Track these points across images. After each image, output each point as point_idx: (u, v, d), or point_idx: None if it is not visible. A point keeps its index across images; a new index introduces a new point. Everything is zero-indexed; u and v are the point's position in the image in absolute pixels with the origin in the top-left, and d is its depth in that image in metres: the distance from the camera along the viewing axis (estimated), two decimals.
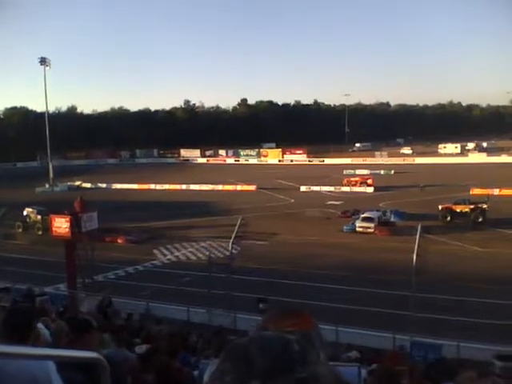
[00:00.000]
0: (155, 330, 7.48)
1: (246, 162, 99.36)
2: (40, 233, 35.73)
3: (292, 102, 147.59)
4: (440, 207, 38.13)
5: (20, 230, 37.47)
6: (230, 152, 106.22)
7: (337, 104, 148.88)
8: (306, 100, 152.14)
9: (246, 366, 0.78)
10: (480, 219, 35.92)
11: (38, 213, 37.23)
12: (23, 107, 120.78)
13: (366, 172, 68.52)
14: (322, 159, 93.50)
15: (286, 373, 0.77)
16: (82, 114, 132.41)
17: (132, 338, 8.02)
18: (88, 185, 67.69)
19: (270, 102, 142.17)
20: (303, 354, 0.82)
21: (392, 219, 36.00)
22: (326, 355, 0.90)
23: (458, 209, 37.47)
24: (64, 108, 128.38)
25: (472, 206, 36.85)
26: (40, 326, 4.04)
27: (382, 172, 70.25)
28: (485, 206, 36.26)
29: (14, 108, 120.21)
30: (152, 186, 63.82)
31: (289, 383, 0.76)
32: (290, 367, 0.78)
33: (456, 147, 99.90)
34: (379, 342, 14.21)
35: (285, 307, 1.07)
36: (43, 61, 71.88)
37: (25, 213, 38.33)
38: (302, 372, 0.78)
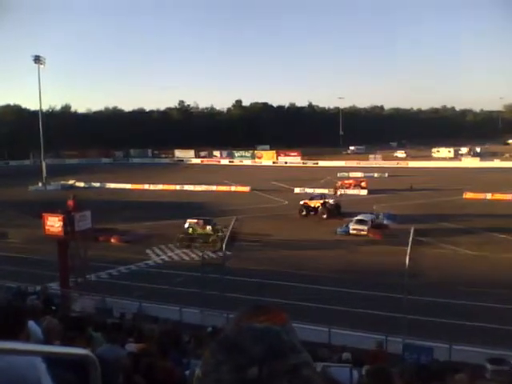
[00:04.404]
0: (147, 330, 7.45)
1: (241, 164, 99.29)
2: (218, 246, 29.47)
3: (287, 105, 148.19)
4: (301, 202, 42.22)
5: (185, 243, 32.07)
6: (225, 153, 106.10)
7: (331, 107, 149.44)
8: (301, 102, 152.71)
9: (241, 355, 0.80)
10: (325, 215, 40.08)
11: (206, 223, 32.83)
12: (17, 105, 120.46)
13: (359, 175, 68.66)
14: (316, 161, 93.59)
15: (281, 359, 0.81)
16: (76, 113, 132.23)
17: (125, 337, 7.98)
18: (81, 184, 67.41)
19: (265, 104, 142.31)
20: (293, 342, 0.86)
21: (385, 222, 36.14)
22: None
23: (312, 204, 41.46)
24: (58, 107, 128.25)
25: (321, 202, 41.04)
26: (31, 323, 4.01)
27: (376, 175, 70.41)
28: (331, 201, 41.27)
29: (8, 106, 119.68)
30: (146, 186, 63.61)
31: (284, 368, 0.80)
32: (284, 354, 0.82)
33: (449, 151, 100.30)
34: (371, 344, 14.19)
35: (257, 304, 1.09)
36: (37, 59, 71.47)
37: (186, 225, 33.20)
38: (295, 358, 0.82)
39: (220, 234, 30.99)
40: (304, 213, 41.14)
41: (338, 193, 46.90)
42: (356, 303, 19.97)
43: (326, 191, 55.04)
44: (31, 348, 1.79)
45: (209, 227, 32.32)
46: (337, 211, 40.75)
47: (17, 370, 2.11)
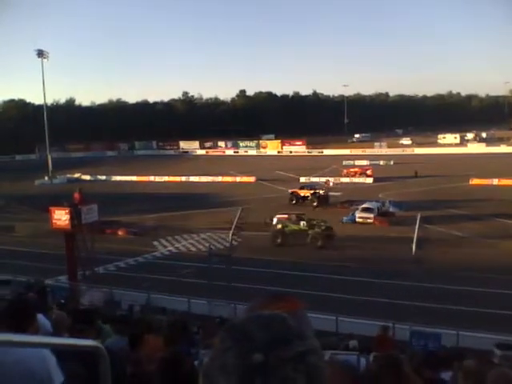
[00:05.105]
0: (156, 321, 7.50)
1: (245, 154, 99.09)
2: (320, 243, 28.53)
3: (291, 93, 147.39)
4: (289, 191, 43.32)
5: (278, 240, 29.55)
6: (229, 143, 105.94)
7: (336, 95, 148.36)
8: (305, 91, 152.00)
9: (247, 342, 0.81)
10: (315, 203, 40.50)
11: (299, 218, 30.40)
12: (21, 100, 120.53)
13: (365, 163, 68.39)
14: (321, 150, 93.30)
15: (286, 345, 0.81)
16: (80, 106, 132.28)
17: (133, 329, 8.03)
18: (87, 177, 67.66)
19: (269, 94, 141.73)
20: (300, 329, 0.86)
21: (391, 209, 36.06)
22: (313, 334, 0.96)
23: (302, 193, 42.19)
24: (62, 100, 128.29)
25: (312, 191, 41.70)
26: (41, 317, 4.05)
27: (382, 162, 70.09)
28: (321, 191, 41.79)
29: (12, 101, 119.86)
30: (151, 178, 63.84)
31: (289, 355, 0.80)
32: (290, 340, 0.82)
33: (455, 137, 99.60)
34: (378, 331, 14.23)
35: (270, 292, 1.10)
36: (40, 53, 71.43)
37: (274, 221, 30.98)
38: (301, 345, 0.83)
39: (317, 229, 29.03)
40: (294, 201, 41.74)
41: (331, 184, 47.56)
42: (362, 291, 19.96)
43: (331, 179, 55.20)
44: (40, 340, 1.81)
45: (303, 223, 29.92)
46: (325, 201, 41.38)
47: (25, 364, 2.13)
